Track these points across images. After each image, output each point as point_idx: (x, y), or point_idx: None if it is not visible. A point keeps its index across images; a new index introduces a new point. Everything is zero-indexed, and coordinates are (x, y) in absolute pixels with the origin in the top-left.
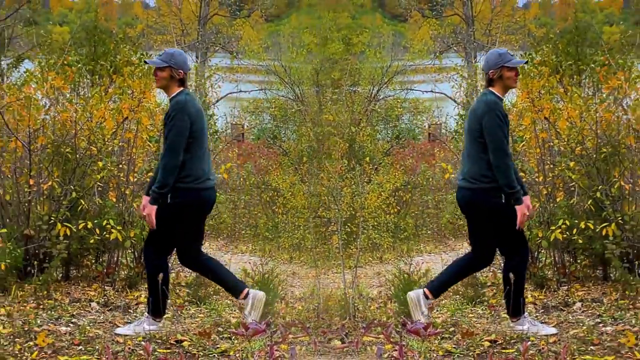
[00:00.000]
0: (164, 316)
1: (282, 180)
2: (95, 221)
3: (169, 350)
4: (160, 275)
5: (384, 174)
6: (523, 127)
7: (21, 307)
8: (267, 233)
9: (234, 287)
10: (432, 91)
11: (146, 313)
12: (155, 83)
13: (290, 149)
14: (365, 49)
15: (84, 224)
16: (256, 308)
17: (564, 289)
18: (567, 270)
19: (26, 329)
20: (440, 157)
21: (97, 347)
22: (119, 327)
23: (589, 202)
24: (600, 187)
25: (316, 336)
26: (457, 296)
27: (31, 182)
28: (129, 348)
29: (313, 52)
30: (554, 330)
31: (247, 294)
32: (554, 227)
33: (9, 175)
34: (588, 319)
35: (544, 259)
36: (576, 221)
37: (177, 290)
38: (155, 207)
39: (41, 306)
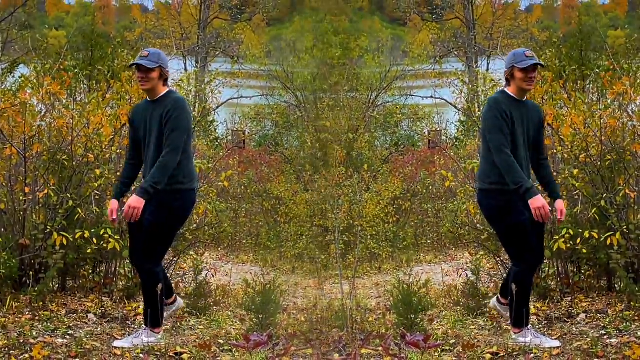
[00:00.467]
0: (163, 327)
1: (285, 189)
2: (93, 230)
3: None
4: (160, 285)
5: (383, 182)
6: None
7: (16, 319)
8: (268, 242)
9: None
10: (432, 97)
11: (144, 325)
12: (142, 85)
13: (292, 157)
14: (364, 54)
15: (80, 233)
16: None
17: (567, 300)
18: (570, 281)
19: (21, 341)
20: (441, 165)
21: (94, 359)
22: (117, 339)
23: (593, 211)
24: (604, 195)
25: (320, 348)
26: (459, 307)
27: (27, 190)
28: None
29: (316, 57)
30: (557, 343)
31: (175, 299)
32: (557, 237)
33: (4, 183)
34: (592, 331)
35: (547, 269)
36: (580, 230)
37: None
38: (144, 202)
39: (37, 317)
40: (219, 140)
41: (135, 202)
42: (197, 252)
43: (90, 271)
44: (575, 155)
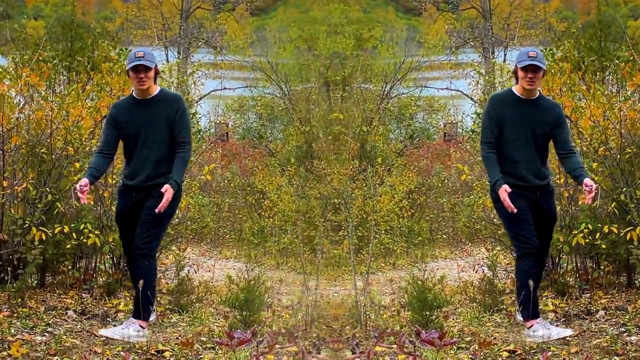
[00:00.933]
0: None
1: (269, 182)
2: (72, 225)
3: None
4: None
5: (397, 176)
6: None
7: None
8: (252, 238)
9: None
10: (447, 88)
11: (132, 318)
12: (141, 85)
13: (277, 150)
14: (378, 44)
15: (60, 228)
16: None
17: (586, 297)
18: (589, 277)
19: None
20: (457, 158)
21: (74, 357)
22: (97, 337)
23: (612, 205)
24: (624, 189)
25: (305, 346)
26: (475, 304)
27: (5, 184)
28: (108, 359)
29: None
30: (569, 332)
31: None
32: (576, 232)
33: None
34: (611, 328)
35: (565, 264)
36: (599, 225)
37: (159, 298)
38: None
39: (15, 314)
40: (201, 133)
41: (171, 194)
42: (180, 247)
43: (70, 267)
44: (594, 149)
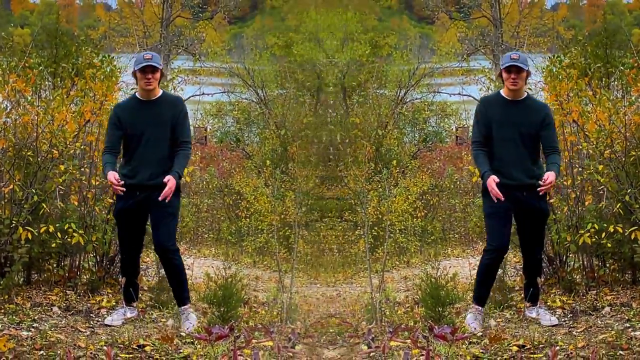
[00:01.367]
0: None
1: (245, 184)
2: (57, 225)
3: (131, 355)
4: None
5: (411, 178)
6: None
7: None
8: (230, 237)
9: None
10: (459, 94)
11: (181, 307)
12: (148, 86)
13: (253, 152)
14: (392, 52)
15: (45, 227)
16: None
17: (592, 294)
18: (595, 275)
19: None
20: (468, 160)
21: (58, 352)
22: (80, 331)
23: (617, 206)
24: (629, 190)
25: (280, 341)
26: (494, 295)
27: None
28: (91, 353)
29: (276, 55)
30: (554, 321)
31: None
32: (582, 231)
33: None
34: (617, 324)
35: (572, 263)
36: (605, 225)
37: (140, 294)
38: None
39: (2, 310)
40: None
41: (174, 183)
42: None
43: (55, 265)
44: (600, 151)
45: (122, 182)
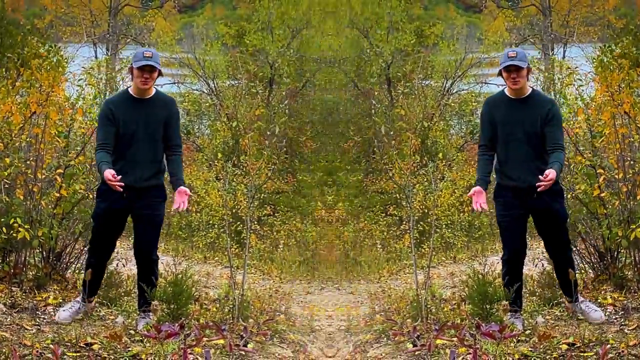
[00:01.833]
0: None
1: (196, 178)
2: (2, 220)
3: (78, 354)
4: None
5: (458, 171)
6: (602, 122)
7: None
8: (180, 232)
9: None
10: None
11: (143, 313)
12: (144, 85)
13: (204, 145)
14: (438, 41)
15: None
16: None
17: None
18: None
19: None
20: None
21: (3, 350)
22: (26, 329)
23: None
24: None
25: (232, 339)
26: (534, 297)
27: None
28: (37, 351)
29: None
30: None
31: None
32: (634, 226)
33: None
34: None
35: (624, 259)
36: None
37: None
38: None
39: None
40: None
41: (188, 194)
42: None
43: (0, 261)
44: None
45: (120, 176)
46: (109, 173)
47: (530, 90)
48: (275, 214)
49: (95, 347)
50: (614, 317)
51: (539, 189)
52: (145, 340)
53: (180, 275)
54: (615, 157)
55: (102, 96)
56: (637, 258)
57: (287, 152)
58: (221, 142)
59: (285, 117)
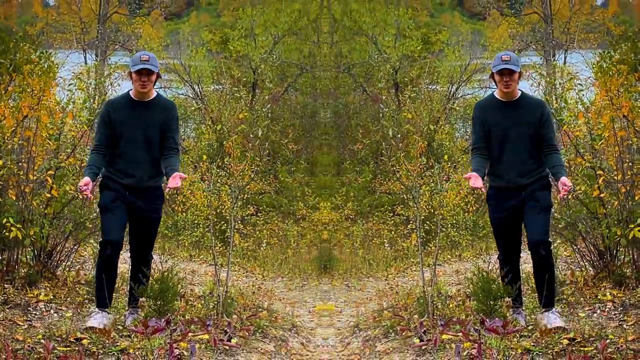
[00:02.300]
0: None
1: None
2: None
3: (68, 348)
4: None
5: (463, 172)
6: (602, 126)
7: None
8: (166, 231)
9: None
10: None
11: (131, 309)
12: (143, 88)
13: (189, 147)
14: (444, 48)
15: None
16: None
17: None
18: None
19: None
20: None
21: None
22: (18, 325)
23: None
24: None
25: (217, 334)
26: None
27: None
28: (29, 346)
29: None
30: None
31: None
32: (632, 225)
33: None
34: None
35: (622, 257)
36: None
37: (77, 289)
38: None
39: None
40: None
41: (182, 176)
42: (97, 240)
43: None
44: None
45: (86, 188)
46: (80, 183)
47: (519, 93)
48: (258, 214)
49: (84, 341)
50: (613, 313)
51: (561, 196)
52: (132, 335)
53: (166, 273)
54: (614, 159)
55: (91, 100)
56: (635, 256)
57: (270, 154)
58: (206, 145)
59: (268, 121)
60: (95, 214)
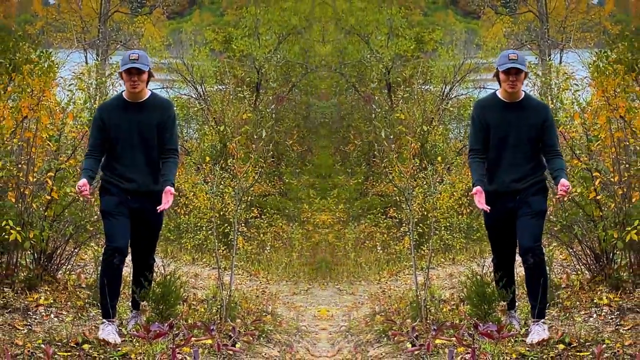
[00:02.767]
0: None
1: (184, 181)
2: None
3: (69, 353)
4: None
5: (457, 174)
6: (598, 126)
7: None
8: (169, 234)
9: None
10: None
11: (134, 311)
12: (134, 88)
13: (192, 149)
14: (438, 47)
15: None
16: None
17: (639, 291)
18: None
19: None
20: None
21: None
22: (18, 329)
23: None
24: None
25: (220, 339)
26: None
27: None
28: (28, 351)
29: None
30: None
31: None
32: (629, 228)
33: None
34: None
35: (619, 260)
36: None
37: (78, 292)
38: None
39: None
40: None
41: (172, 197)
42: (98, 243)
43: None
44: None
45: (84, 189)
46: (79, 183)
47: (523, 94)
48: (262, 216)
49: (85, 346)
50: (609, 317)
51: (559, 197)
52: (134, 340)
53: (169, 277)
54: (610, 160)
55: (92, 101)
56: (632, 259)
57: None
58: (209, 146)
59: (272, 122)
60: (96, 217)
